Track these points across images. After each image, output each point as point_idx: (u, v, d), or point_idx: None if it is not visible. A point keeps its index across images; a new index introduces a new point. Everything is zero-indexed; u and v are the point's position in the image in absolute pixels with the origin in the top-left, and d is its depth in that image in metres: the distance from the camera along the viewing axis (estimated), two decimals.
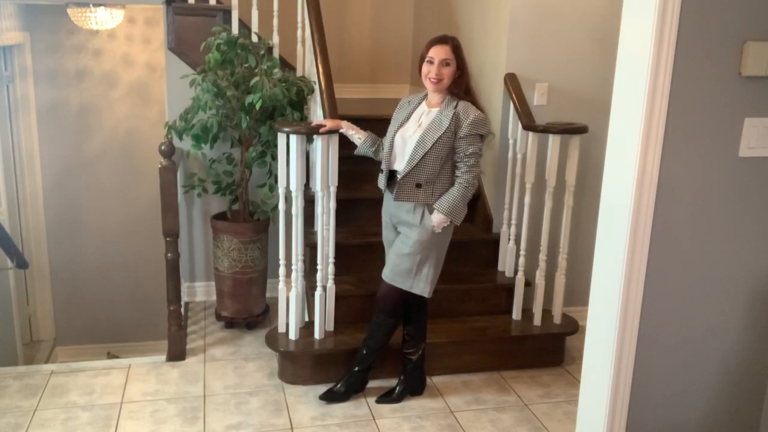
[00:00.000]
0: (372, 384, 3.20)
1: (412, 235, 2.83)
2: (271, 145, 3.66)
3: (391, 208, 2.90)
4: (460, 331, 3.45)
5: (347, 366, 3.14)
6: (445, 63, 2.75)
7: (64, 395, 3.13)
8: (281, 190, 3.20)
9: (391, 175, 2.88)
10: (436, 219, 2.79)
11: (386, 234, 3.03)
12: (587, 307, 2.16)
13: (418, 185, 2.78)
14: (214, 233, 3.81)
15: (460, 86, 2.81)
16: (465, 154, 2.77)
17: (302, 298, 3.32)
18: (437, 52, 2.76)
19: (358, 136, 3.03)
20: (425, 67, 2.79)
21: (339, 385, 3.10)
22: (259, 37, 3.78)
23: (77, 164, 5.75)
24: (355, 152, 3.08)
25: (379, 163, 2.95)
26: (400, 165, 2.83)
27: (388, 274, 2.91)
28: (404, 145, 2.82)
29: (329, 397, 3.08)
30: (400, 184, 2.80)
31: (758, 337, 2.12)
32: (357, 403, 3.10)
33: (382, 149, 2.95)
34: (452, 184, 2.81)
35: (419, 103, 2.91)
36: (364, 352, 3.07)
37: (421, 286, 2.87)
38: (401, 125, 2.87)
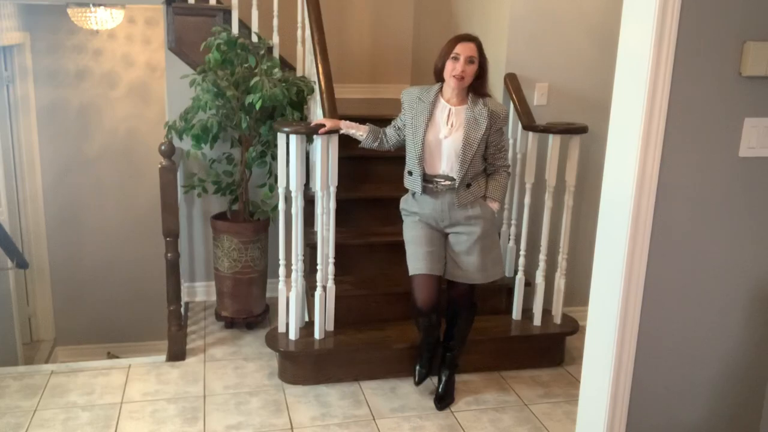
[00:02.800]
0: (371, 384, 3.21)
1: (476, 229, 2.89)
2: (271, 145, 3.66)
3: (440, 212, 2.90)
4: None
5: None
6: (469, 60, 2.77)
7: (64, 395, 3.13)
8: (281, 190, 3.20)
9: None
10: (495, 206, 2.96)
11: (420, 234, 2.93)
12: (587, 307, 2.16)
13: (469, 185, 2.87)
14: (214, 233, 3.81)
15: (483, 85, 2.86)
16: (500, 146, 2.92)
17: (302, 298, 3.32)
18: (463, 49, 2.76)
19: (359, 133, 3.03)
20: (450, 64, 2.78)
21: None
22: (259, 37, 3.77)
23: (77, 164, 5.75)
24: (360, 145, 3.10)
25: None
26: (439, 167, 2.85)
27: (477, 276, 2.94)
28: (439, 146, 2.84)
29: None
30: (459, 190, 2.85)
31: (758, 337, 2.12)
32: (357, 402, 3.11)
33: (386, 141, 3.02)
34: (485, 172, 2.94)
35: (435, 101, 2.87)
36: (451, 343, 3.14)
37: (500, 268, 3.05)
38: (427, 125, 2.84)
